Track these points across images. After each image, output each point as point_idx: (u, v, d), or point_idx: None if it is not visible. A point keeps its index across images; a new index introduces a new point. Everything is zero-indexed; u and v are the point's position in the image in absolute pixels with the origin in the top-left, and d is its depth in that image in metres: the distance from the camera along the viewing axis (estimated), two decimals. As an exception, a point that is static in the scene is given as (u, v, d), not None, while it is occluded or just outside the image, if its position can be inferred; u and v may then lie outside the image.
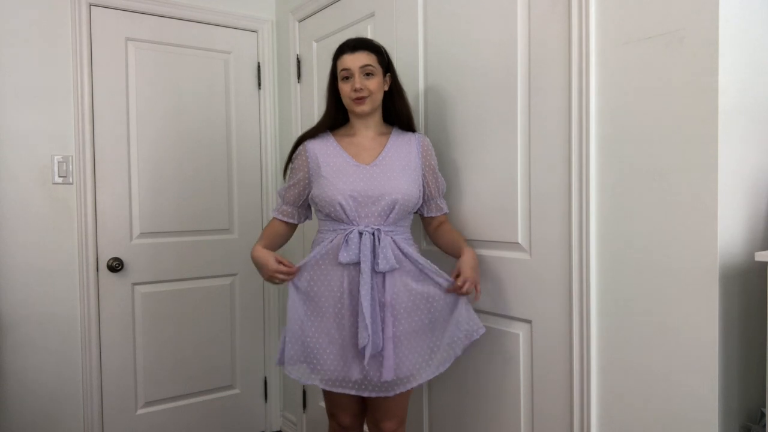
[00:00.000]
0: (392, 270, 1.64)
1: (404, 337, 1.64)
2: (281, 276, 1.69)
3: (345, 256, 1.63)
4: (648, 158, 1.36)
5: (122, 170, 2.50)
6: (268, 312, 2.91)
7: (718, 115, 1.23)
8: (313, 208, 1.83)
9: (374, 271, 1.64)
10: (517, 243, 1.70)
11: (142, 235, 2.56)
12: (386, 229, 1.67)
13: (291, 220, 1.83)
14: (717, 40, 1.23)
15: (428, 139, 1.82)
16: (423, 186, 1.76)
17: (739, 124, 1.29)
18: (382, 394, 1.64)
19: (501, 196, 1.74)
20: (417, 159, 1.75)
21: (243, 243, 2.82)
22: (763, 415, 1.31)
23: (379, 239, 1.64)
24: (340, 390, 1.66)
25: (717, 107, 1.23)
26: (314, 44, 2.61)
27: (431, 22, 1.96)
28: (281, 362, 1.73)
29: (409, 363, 1.64)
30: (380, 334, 1.62)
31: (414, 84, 1.99)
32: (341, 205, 1.66)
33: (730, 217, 1.27)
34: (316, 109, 2.54)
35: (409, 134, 1.80)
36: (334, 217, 1.69)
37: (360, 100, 1.69)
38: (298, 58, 2.73)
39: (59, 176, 2.36)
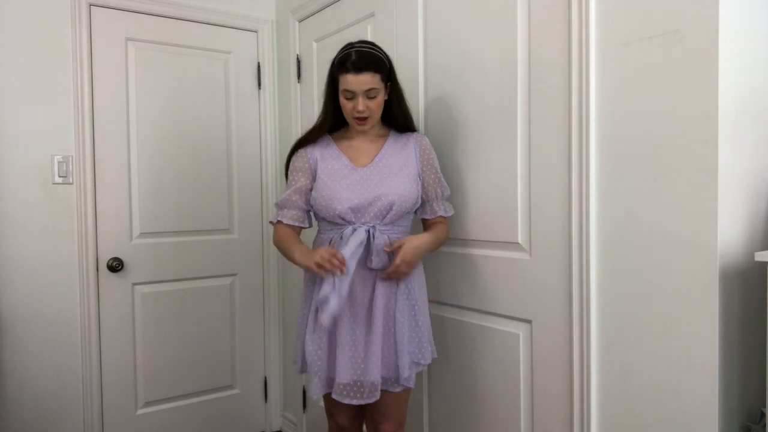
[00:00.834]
0: (385, 268, 1.65)
1: (387, 339, 1.66)
2: (332, 264, 1.56)
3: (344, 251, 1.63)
4: (648, 158, 1.36)
5: (122, 170, 2.50)
6: (268, 312, 2.91)
7: (718, 115, 1.23)
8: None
9: (367, 268, 1.65)
10: (517, 243, 1.70)
11: (142, 235, 2.56)
12: (382, 228, 1.67)
13: (303, 225, 1.79)
14: (717, 40, 1.23)
15: (427, 139, 1.81)
16: (422, 185, 1.75)
17: (739, 124, 1.29)
18: (363, 401, 1.64)
19: (501, 196, 1.74)
20: (414, 159, 1.75)
21: (243, 243, 2.82)
22: (763, 415, 1.31)
23: (373, 236, 1.65)
24: (339, 399, 1.65)
25: (717, 107, 1.23)
26: (314, 44, 2.61)
27: (431, 22, 1.96)
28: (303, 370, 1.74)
29: (393, 366, 1.66)
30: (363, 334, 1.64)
31: (414, 84, 1.99)
32: (338, 210, 1.66)
33: (730, 217, 1.27)
34: (316, 109, 2.52)
35: (407, 135, 1.79)
36: (331, 220, 1.71)
37: (361, 120, 1.69)
38: (298, 58, 2.73)
39: (59, 176, 2.36)
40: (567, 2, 1.51)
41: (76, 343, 2.42)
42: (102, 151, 2.45)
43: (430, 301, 1.81)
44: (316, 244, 1.76)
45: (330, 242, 1.70)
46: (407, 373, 1.65)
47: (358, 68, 1.62)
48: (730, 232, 1.27)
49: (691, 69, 1.28)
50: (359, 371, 1.63)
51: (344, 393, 1.63)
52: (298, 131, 2.67)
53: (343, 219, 1.67)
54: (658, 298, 1.36)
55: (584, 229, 1.49)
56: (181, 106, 2.64)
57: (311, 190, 1.75)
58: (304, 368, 1.73)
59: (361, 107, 1.65)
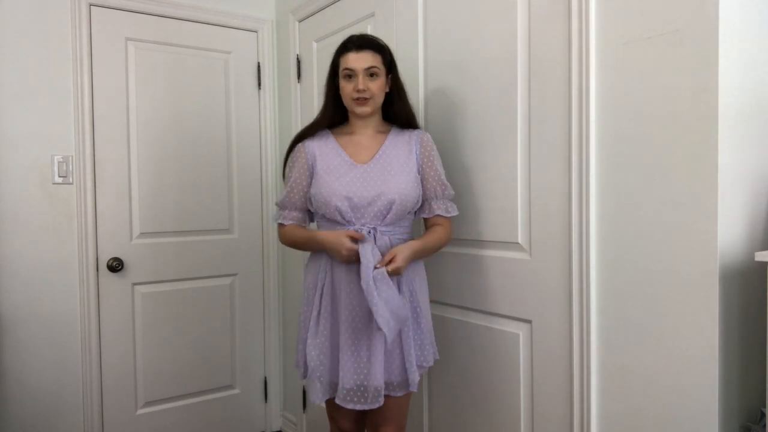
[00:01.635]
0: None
1: (394, 342, 1.65)
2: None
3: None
4: (648, 158, 1.36)
5: (122, 170, 2.50)
6: (268, 312, 2.91)
7: (718, 115, 1.23)
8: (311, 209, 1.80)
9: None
10: (517, 243, 1.70)
11: (142, 235, 2.56)
12: (383, 229, 1.66)
13: (304, 225, 1.79)
14: (717, 40, 1.23)
15: (428, 135, 1.78)
16: (422, 183, 1.72)
17: (739, 124, 1.29)
18: (367, 407, 1.63)
19: (501, 196, 1.74)
20: (415, 156, 1.72)
21: (243, 243, 2.82)
22: (763, 415, 1.31)
23: (375, 239, 1.64)
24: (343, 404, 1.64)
25: (717, 107, 1.23)
26: (314, 44, 2.61)
27: (431, 22, 1.96)
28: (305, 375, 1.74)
29: (396, 369, 1.65)
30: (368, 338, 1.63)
31: (414, 84, 1.99)
32: (337, 207, 1.65)
33: (730, 217, 1.27)
34: (316, 109, 2.52)
35: (409, 131, 1.76)
36: (330, 218, 1.68)
37: (362, 101, 1.67)
38: (298, 58, 2.73)
39: (59, 176, 2.36)
40: (567, 2, 1.51)
41: (76, 343, 2.42)
42: (102, 151, 2.45)
43: (430, 301, 1.81)
44: None
45: None
46: (417, 378, 1.65)
47: (359, 46, 1.66)
48: (730, 232, 1.27)
49: (691, 69, 1.28)
50: (362, 376, 1.62)
51: (348, 398, 1.62)
52: (298, 131, 2.67)
53: (342, 216, 1.66)
54: (658, 298, 1.36)
55: (584, 229, 1.49)
56: (181, 106, 2.63)
57: (310, 187, 1.74)
58: (306, 373, 1.73)
59: (361, 85, 1.64)
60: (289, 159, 1.79)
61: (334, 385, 1.67)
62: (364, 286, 1.52)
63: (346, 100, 1.70)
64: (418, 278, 1.73)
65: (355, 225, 1.65)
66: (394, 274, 1.57)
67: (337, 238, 1.61)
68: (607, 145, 1.45)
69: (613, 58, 1.43)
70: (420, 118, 1.99)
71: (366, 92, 1.65)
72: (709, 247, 1.26)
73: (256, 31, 2.84)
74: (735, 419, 1.32)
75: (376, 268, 1.54)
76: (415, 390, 1.67)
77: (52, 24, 2.34)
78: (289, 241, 1.79)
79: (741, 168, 1.30)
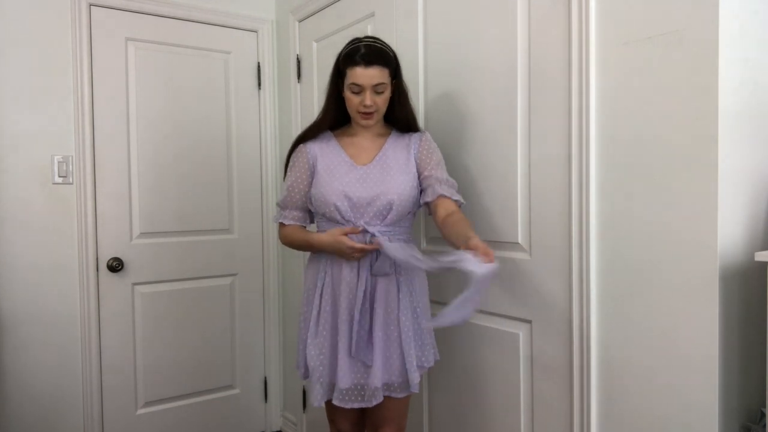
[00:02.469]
0: (386, 274, 1.64)
1: (390, 344, 1.65)
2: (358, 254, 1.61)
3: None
4: (648, 158, 1.36)
5: (122, 170, 2.50)
6: (268, 312, 2.91)
7: (718, 115, 1.23)
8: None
9: (366, 272, 1.64)
10: (517, 243, 1.70)
11: (142, 235, 2.56)
12: (383, 230, 1.66)
13: (305, 225, 1.79)
14: (717, 40, 1.23)
15: (429, 135, 1.77)
16: (421, 173, 1.70)
17: (739, 124, 1.29)
18: (364, 404, 1.63)
19: (501, 196, 1.74)
20: (413, 155, 1.72)
21: (243, 243, 2.82)
22: (763, 415, 1.31)
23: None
24: (342, 404, 1.65)
25: (717, 107, 1.23)
26: (314, 44, 2.61)
27: (431, 22, 1.96)
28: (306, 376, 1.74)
29: (395, 371, 1.65)
30: (365, 339, 1.63)
31: (414, 84, 1.99)
32: (336, 206, 1.65)
33: (730, 217, 1.27)
34: (316, 109, 2.53)
35: (409, 135, 1.76)
36: (330, 217, 1.68)
37: (367, 115, 1.67)
38: (298, 58, 2.73)
39: (59, 176, 2.36)
40: (567, 2, 1.51)
41: (76, 343, 2.42)
42: (102, 151, 2.45)
43: (430, 301, 1.81)
44: None
45: None
46: (418, 378, 1.65)
47: (368, 61, 1.60)
48: (730, 232, 1.27)
49: (691, 69, 1.28)
50: (359, 375, 1.63)
51: (345, 398, 1.63)
52: (298, 131, 2.64)
53: (342, 216, 1.66)
54: (658, 297, 1.36)
55: (584, 229, 1.49)
56: (181, 106, 2.63)
57: (311, 187, 1.74)
58: (307, 374, 1.73)
59: (368, 102, 1.63)
60: (291, 159, 1.79)
61: (333, 387, 1.67)
62: (426, 267, 1.53)
63: (352, 112, 1.69)
64: (418, 279, 1.73)
65: (355, 224, 1.66)
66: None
67: (335, 239, 1.61)
68: (607, 145, 1.45)
69: (613, 58, 1.43)
70: (420, 118, 1.99)
71: (372, 107, 1.65)
72: (709, 247, 1.26)
73: (256, 31, 2.84)
74: (735, 419, 1.32)
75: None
76: (416, 390, 1.67)
77: (52, 24, 2.34)
78: (288, 241, 1.79)
79: (741, 168, 1.30)
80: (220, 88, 2.74)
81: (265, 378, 2.92)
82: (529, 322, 1.68)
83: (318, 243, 1.67)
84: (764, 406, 1.32)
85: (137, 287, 2.56)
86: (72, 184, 2.39)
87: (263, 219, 2.87)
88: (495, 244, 1.76)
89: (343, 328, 1.63)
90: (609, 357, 1.47)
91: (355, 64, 1.61)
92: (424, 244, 2.01)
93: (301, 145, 1.77)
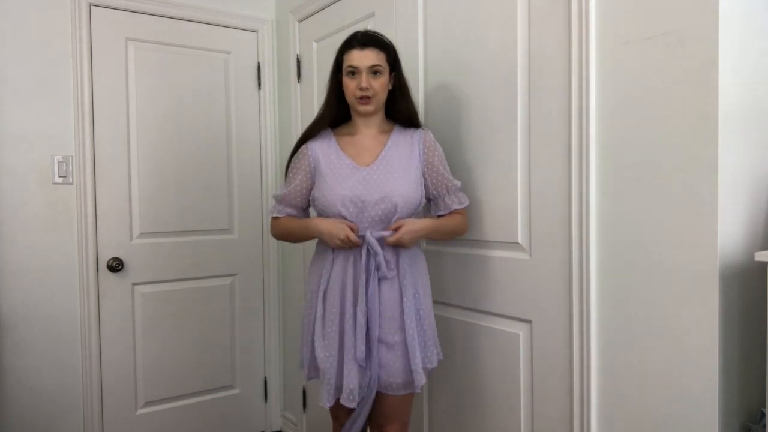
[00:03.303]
0: (389, 278, 1.65)
1: (395, 347, 1.65)
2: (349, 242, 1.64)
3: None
4: (648, 158, 1.36)
5: (122, 170, 2.50)
6: (268, 312, 2.91)
7: (718, 115, 1.23)
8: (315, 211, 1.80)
9: (369, 273, 1.64)
10: (517, 243, 1.70)
11: (142, 235, 2.56)
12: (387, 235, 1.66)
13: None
14: (717, 40, 1.23)
15: (431, 134, 1.77)
16: (429, 183, 1.72)
17: (739, 124, 1.29)
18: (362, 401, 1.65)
19: (501, 195, 1.74)
20: (419, 157, 1.72)
21: (243, 243, 2.82)
22: (763, 415, 1.31)
23: (382, 245, 1.64)
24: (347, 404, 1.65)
25: (717, 107, 1.23)
26: (314, 44, 2.61)
27: (431, 22, 1.96)
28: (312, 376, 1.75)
29: (396, 371, 1.65)
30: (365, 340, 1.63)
31: (414, 84, 1.98)
32: (340, 211, 1.65)
33: (730, 217, 1.27)
34: (316, 109, 2.52)
35: (411, 131, 1.76)
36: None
37: (365, 99, 1.67)
38: (298, 58, 2.73)
39: (59, 176, 2.36)
40: (567, 2, 1.51)
41: (76, 343, 2.42)
42: (102, 151, 2.45)
43: (433, 302, 1.81)
44: (319, 246, 1.76)
45: (333, 250, 1.69)
46: (423, 380, 1.66)
47: (363, 43, 1.65)
48: (730, 232, 1.27)
49: (691, 69, 1.28)
50: (361, 374, 1.63)
51: (351, 397, 1.63)
52: (298, 131, 2.67)
53: (345, 219, 1.66)
54: (658, 297, 1.36)
55: (584, 229, 1.49)
56: (181, 106, 2.64)
57: (310, 189, 1.74)
58: (312, 375, 1.74)
59: (364, 84, 1.63)
60: (293, 160, 1.80)
61: (340, 387, 1.67)
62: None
63: (349, 98, 1.70)
64: (422, 280, 1.73)
65: (360, 226, 1.66)
66: (397, 244, 1.61)
67: (339, 224, 1.63)
68: (607, 145, 1.45)
69: (613, 58, 1.43)
70: (420, 118, 1.99)
71: (369, 90, 1.65)
72: (709, 247, 1.26)
73: (256, 31, 2.84)
74: (735, 419, 1.32)
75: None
76: (419, 390, 1.68)
77: (52, 24, 2.34)
78: (283, 231, 1.80)
79: (741, 168, 1.30)
80: (220, 88, 2.74)
81: (265, 378, 2.92)
82: (529, 322, 1.68)
83: (315, 227, 1.68)
84: (764, 406, 1.32)
85: (137, 287, 2.56)
86: (72, 184, 2.39)
87: (263, 219, 2.87)
88: (495, 244, 1.77)
89: (349, 331, 1.64)
90: (609, 357, 1.47)
91: (351, 47, 1.67)
92: (424, 244, 2.01)
93: (304, 146, 1.77)
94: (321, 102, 1.82)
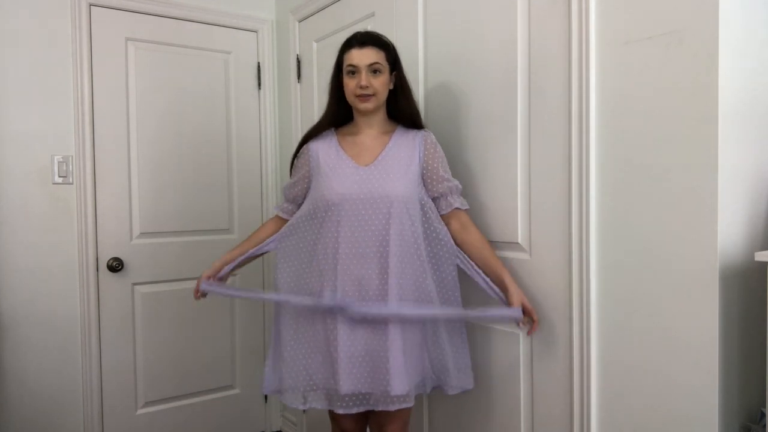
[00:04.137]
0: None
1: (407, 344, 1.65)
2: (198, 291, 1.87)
3: None
4: (648, 158, 1.36)
5: (122, 170, 2.50)
6: (268, 312, 2.91)
7: (718, 115, 1.23)
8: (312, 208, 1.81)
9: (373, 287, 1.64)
10: (517, 243, 1.70)
11: (142, 235, 2.56)
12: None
13: (290, 218, 1.84)
14: (717, 40, 1.23)
15: (432, 136, 1.76)
16: (430, 183, 1.72)
17: (739, 124, 1.29)
18: (381, 407, 1.64)
19: (501, 196, 1.74)
20: (418, 159, 1.71)
21: (243, 243, 2.82)
22: (763, 415, 1.31)
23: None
24: (344, 411, 1.66)
25: (717, 107, 1.23)
26: (314, 44, 2.61)
27: (431, 22, 1.96)
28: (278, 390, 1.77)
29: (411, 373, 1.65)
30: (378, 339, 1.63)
31: (414, 84, 1.98)
32: (335, 208, 1.65)
33: (730, 217, 1.27)
34: (316, 109, 2.54)
35: (413, 132, 1.75)
36: (328, 218, 1.68)
37: (365, 98, 1.66)
38: (298, 58, 2.73)
39: (59, 176, 2.36)
40: (567, 2, 1.51)
41: (76, 343, 2.42)
42: (102, 151, 2.45)
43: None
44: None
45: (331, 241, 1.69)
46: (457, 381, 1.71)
47: (362, 42, 1.66)
48: (730, 232, 1.27)
49: (691, 69, 1.28)
50: (363, 381, 1.63)
51: (350, 404, 1.64)
52: (298, 131, 2.67)
53: (340, 216, 1.65)
54: (658, 297, 1.36)
55: (584, 229, 1.49)
56: (181, 106, 2.64)
57: (308, 185, 1.77)
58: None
59: (364, 82, 1.64)
60: (296, 160, 1.83)
61: (331, 393, 1.67)
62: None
63: (350, 97, 1.70)
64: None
65: (357, 226, 1.66)
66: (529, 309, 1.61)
67: (208, 270, 1.92)
68: (607, 145, 1.45)
69: (613, 58, 1.43)
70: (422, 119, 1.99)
71: (369, 89, 1.65)
72: (709, 247, 1.26)
73: (256, 31, 2.84)
74: (735, 419, 1.32)
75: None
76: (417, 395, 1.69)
77: (52, 24, 2.34)
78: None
79: (741, 168, 1.30)
80: (220, 88, 2.74)
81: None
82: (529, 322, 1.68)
83: (232, 255, 1.94)
84: (764, 406, 1.32)
85: (137, 287, 2.56)
86: (72, 184, 2.39)
87: (263, 219, 2.87)
88: (495, 244, 1.77)
89: (352, 330, 1.64)
90: (609, 357, 1.47)
91: (350, 46, 1.68)
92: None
93: (305, 146, 1.78)
94: (321, 102, 1.83)
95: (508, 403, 1.74)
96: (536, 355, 1.65)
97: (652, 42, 1.35)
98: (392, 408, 1.62)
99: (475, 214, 1.82)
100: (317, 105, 2.54)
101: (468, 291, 1.86)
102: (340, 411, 1.64)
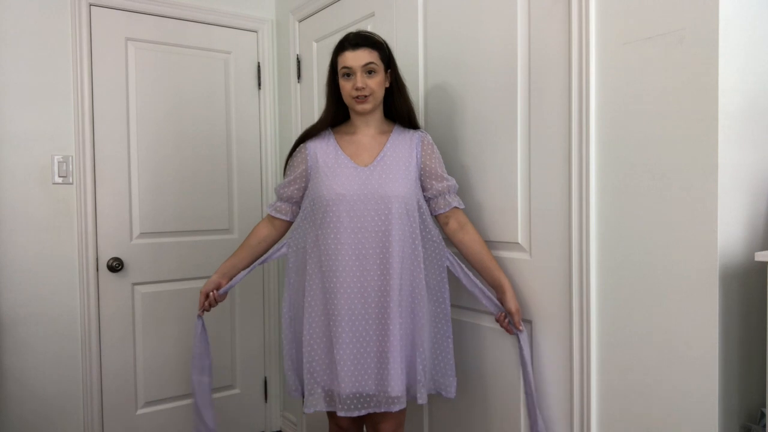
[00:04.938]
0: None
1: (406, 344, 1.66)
2: (204, 305, 1.86)
3: None
4: (648, 158, 1.36)
5: (122, 170, 2.50)
6: (267, 312, 2.91)
7: (718, 115, 1.23)
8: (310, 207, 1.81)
9: (375, 282, 1.65)
10: (517, 243, 1.70)
11: (142, 235, 2.56)
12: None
13: (284, 217, 1.83)
14: (717, 40, 1.23)
15: (429, 136, 1.77)
16: (428, 184, 1.73)
17: (739, 124, 1.29)
18: (383, 409, 1.65)
19: (501, 196, 1.74)
20: (416, 158, 1.72)
21: (243, 243, 2.82)
22: (763, 415, 1.31)
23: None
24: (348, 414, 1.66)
25: (717, 107, 1.23)
26: (314, 44, 2.61)
27: (431, 22, 1.96)
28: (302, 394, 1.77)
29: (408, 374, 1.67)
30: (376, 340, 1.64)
31: (414, 84, 1.99)
32: (334, 209, 1.65)
33: (730, 217, 1.27)
34: (316, 109, 2.54)
35: (411, 132, 1.76)
36: (327, 219, 1.67)
37: (361, 99, 1.67)
38: (298, 58, 2.73)
39: (59, 176, 2.36)
40: (567, 2, 1.51)
41: (76, 343, 2.42)
42: (102, 151, 2.45)
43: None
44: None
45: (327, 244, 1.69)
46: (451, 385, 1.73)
47: (355, 44, 1.66)
48: (730, 232, 1.27)
49: (691, 69, 1.28)
50: (364, 383, 1.63)
51: (352, 406, 1.64)
52: (298, 131, 2.67)
53: (338, 218, 1.65)
54: (658, 297, 1.36)
55: (584, 229, 1.49)
56: (181, 106, 2.64)
57: (304, 184, 1.76)
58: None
59: (360, 84, 1.64)
60: (291, 159, 1.81)
61: (331, 394, 1.68)
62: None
63: (347, 99, 1.70)
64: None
65: (357, 226, 1.66)
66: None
67: (211, 284, 1.84)
68: (607, 145, 1.45)
69: (613, 58, 1.43)
70: (420, 118, 1.99)
71: (365, 89, 1.65)
72: (709, 247, 1.26)
73: (256, 31, 2.84)
74: (735, 419, 1.32)
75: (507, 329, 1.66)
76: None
77: (52, 24, 2.34)
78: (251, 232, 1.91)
79: (741, 168, 1.30)
80: (220, 88, 2.74)
81: (265, 378, 2.92)
82: (529, 322, 1.68)
83: (230, 263, 1.87)
84: (764, 406, 1.32)
85: (137, 287, 2.56)
86: (72, 184, 2.39)
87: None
88: (495, 244, 1.77)
89: (353, 331, 1.65)
90: (609, 357, 1.47)
91: (344, 49, 1.67)
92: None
93: (302, 144, 1.78)
94: (321, 102, 1.82)
95: (508, 402, 1.74)
96: (536, 355, 1.65)
97: (652, 42, 1.35)
98: (394, 409, 1.63)
99: (476, 214, 1.82)
100: (317, 105, 2.54)
101: (460, 290, 1.86)
102: (341, 414, 1.64)
